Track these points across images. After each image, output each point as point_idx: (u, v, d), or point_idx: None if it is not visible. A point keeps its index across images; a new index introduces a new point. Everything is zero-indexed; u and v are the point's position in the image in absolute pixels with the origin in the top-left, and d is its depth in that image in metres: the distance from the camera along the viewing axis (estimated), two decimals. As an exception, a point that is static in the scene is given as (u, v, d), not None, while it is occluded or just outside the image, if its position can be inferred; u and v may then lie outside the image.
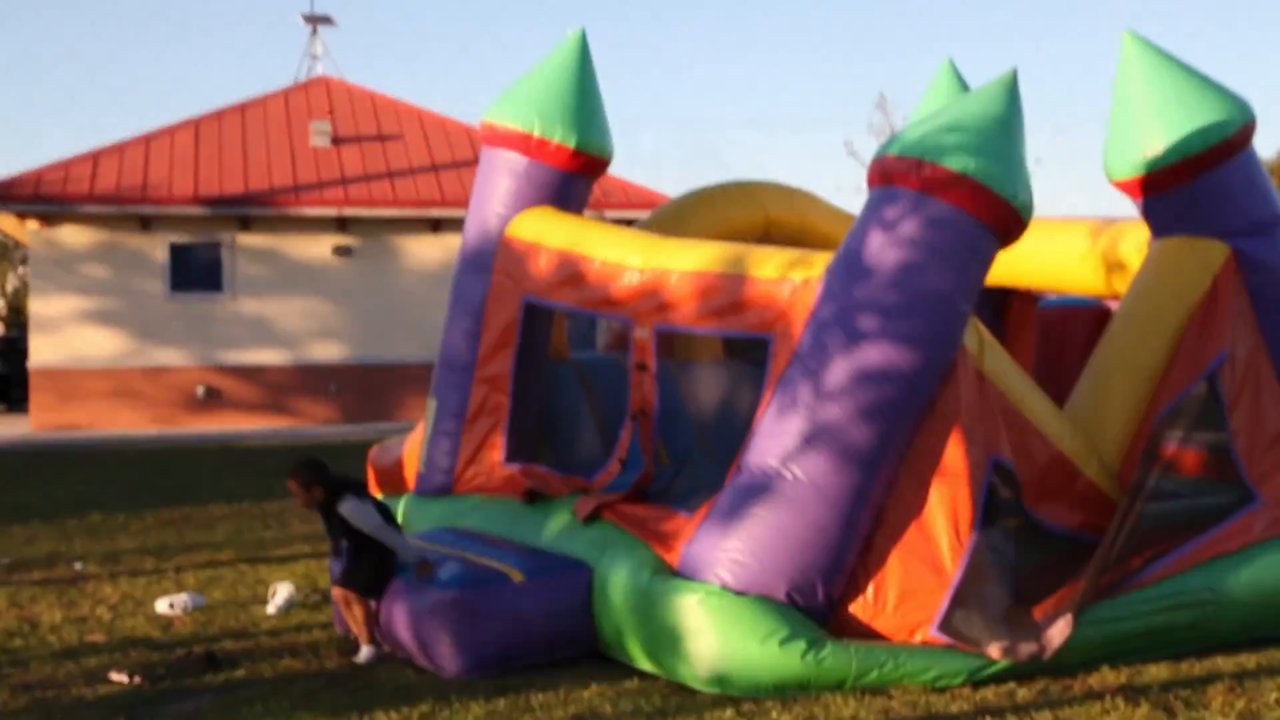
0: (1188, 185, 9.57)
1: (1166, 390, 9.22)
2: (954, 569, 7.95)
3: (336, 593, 8.89)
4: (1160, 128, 9.56)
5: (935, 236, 8.02)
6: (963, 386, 8.16)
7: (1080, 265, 11.52)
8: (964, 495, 8.03)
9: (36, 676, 8.51)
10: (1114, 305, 10.37)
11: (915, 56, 74.68)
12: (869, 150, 35.42)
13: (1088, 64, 78.31)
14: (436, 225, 29.01)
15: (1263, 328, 9.52)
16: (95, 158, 28.49)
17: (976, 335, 8.38)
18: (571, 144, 10.45)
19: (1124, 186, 9.92)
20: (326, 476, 8.82)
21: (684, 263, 9.28)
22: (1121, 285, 10.92)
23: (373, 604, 8.79)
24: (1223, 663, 8.43)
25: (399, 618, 8.58)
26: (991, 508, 8.23)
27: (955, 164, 7.95)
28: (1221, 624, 8.71)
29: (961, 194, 7.95)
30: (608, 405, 10.87)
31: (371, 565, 8.78)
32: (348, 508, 8.71)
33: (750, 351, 11.64)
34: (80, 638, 9.52)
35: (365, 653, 8.73)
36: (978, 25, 79.10)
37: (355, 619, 8.79)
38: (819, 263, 8.56)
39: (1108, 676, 8.09)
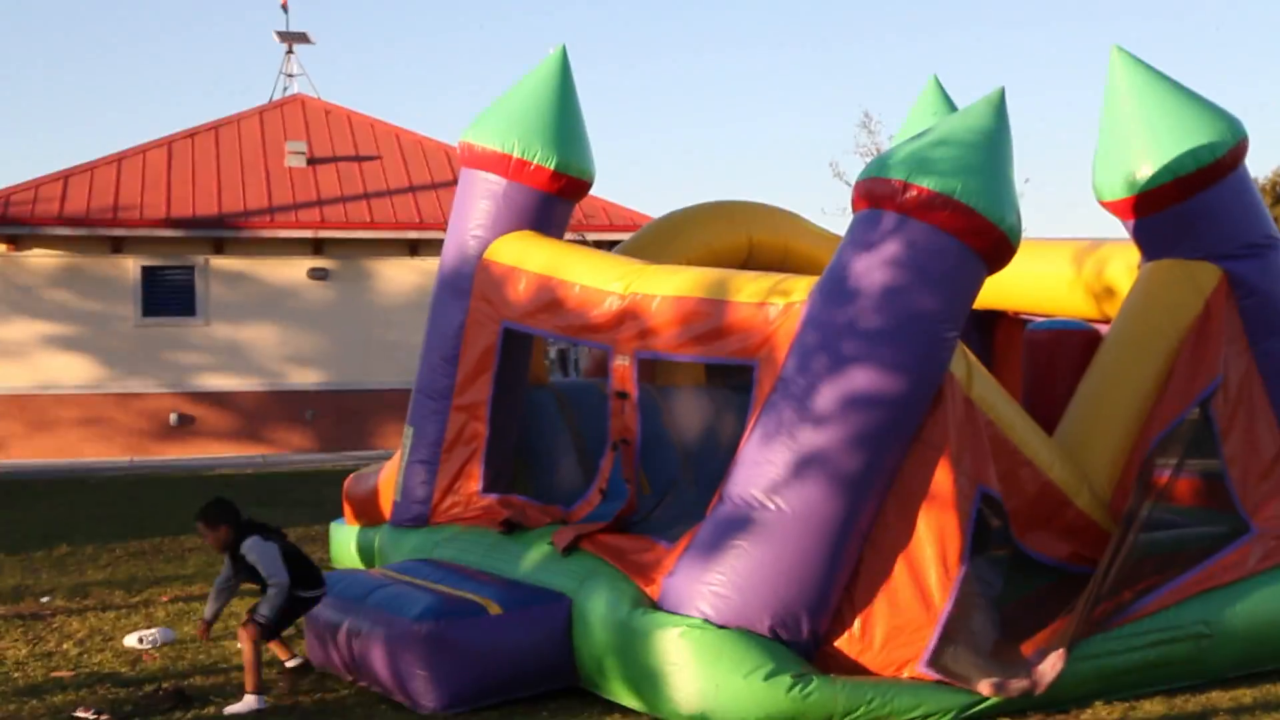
0: (1178, 206, 9.57)
1: (1158, 417, 9.20)
2: (942, 603, 7.89)
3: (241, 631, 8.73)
4: (1150, 147, 9.55)
5: (920, 260, 7.94)
6: (950, 414, 8.10)
7: (1069, 288, 11.52)
8: (952, 526, 7.97)
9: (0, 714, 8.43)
10: (1104, 329, 10.35)
11: (900, 74, 74.78)
12: (854, 171, 35.43)
13: (1077, 80, 78.52)
14: (415, 248, 28.95)
15: (1256, 353, 9.51)
16: (65, 178, 28.36)
17: (964, 362, 8.34)
18: (551, 165, 10.41)
19: (1113, 207, 9.91)
20: (234, 517, 8.73)
21: (665, 288, 9.22)
22: (1111, 309, 10.91)
23: (269, 645, 8.69)
24: (1219, 698, 8.39)
25: (374, 651, 8.50)
26: (980, 539, 8.19)
27: (940, 186, 7.87)
28: (1217, 658, 8.68)
29: (946, 217, 7.87)
30: (588, 432, 10.82)
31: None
32: (248, 545, 8.61)
33: (733, 376, 11.61)
34: (46, 674, 9.42)
35: (248, 702, 8.43)
36: (964, 41, 79.34)
37: (246, 661, 8.56)
38: (802, 287, 8.50)
39: (1101, 712, 8.04)
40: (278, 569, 8.58)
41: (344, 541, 11.91)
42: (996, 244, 8.02)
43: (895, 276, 7.96)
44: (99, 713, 8.29)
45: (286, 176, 29.46)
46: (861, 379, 7.92)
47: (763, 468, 8.08)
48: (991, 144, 8.10)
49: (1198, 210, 9.54)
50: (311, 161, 30.01)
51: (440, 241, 11.39)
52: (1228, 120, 9.58)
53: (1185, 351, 9.34)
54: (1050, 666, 7.69)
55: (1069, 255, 11.64)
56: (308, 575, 8.83)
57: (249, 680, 8.51)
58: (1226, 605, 8.73)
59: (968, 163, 7.96)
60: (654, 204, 75.25)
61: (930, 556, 7.96)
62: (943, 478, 8.02)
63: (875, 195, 8.11)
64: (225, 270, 28.32)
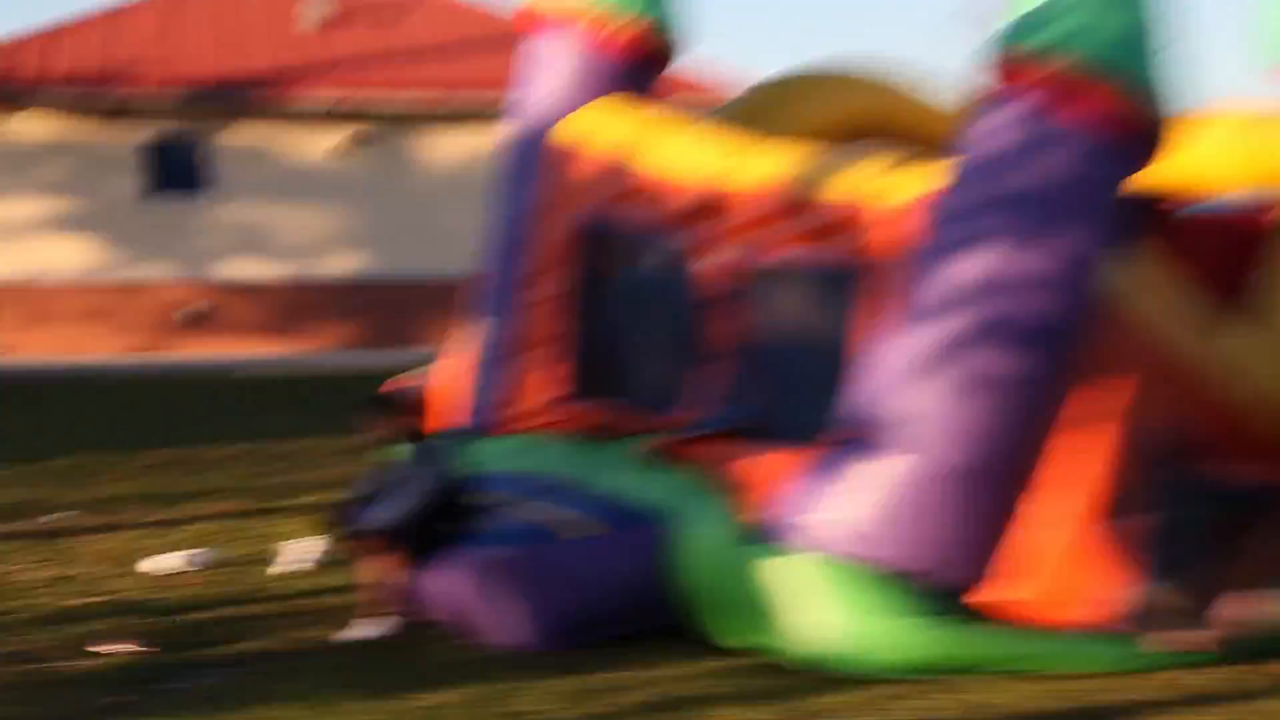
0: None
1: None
2: (1116, 545, 7.78)
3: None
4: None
5: (1061, 152, 7.79)
6: (1113, 338, 7.94)
7: (1230, 165, 11.30)
8: (1122, 465, 7.84)
9: (12, 646, 8.36)
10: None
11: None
12: (967, 33, 34.98)
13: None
14: (458, 118, 28.70)
15: None
16: (55, 36, 28.33)
17: (1126, 274, 8.14)
18: (636, 28, 10.28)
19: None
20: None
21: (763, 174, 9.13)
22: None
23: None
24: None
25: (446, 581, 8.43)
26: (1158, 474, 8.03)
27: (1083, 64, 7.67)
28: None
29: (1094, 101, 7.70)
30: (681, 331, 10.73)
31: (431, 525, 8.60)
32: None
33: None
34: (60, 601, 9.41)
35: (381, 626, 8.51)
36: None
37: (389, 585, 8.54)
38: (923, 178, 8.37)
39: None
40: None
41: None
42: (1150, 132, 7.86)
43: (1032, 172, 7.81)
44: (128, 643, 8.22)
45: (308, 36, 29.35)
46: (1002, 293, 7.80)
47: (897, 384, 7.93)
48: (1143, 13, 7.86)
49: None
50: (333, 20, 29.87)
51: (487, 110, 11.37)
52: None
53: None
54: (1242, 611, 7.63)
55: (1230, 130, 11.40)
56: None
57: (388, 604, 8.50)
58: None
59: (1117, 37, 7.77)
60: (751, 68, 74.67)
61: (1098, 494, 7.83)
62: (1109, 410, 7.87)
63: (1006, 73, 7.92)
64: (240, 142, 28.20)
